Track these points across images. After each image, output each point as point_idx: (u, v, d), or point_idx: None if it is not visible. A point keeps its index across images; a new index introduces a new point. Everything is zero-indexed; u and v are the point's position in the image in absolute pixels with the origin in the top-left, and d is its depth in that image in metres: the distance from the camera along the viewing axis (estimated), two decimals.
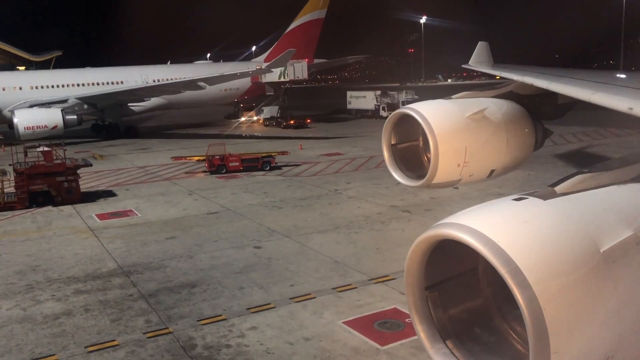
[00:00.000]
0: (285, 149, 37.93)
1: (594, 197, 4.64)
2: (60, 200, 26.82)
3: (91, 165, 31.37)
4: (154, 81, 59.08)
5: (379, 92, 70.03)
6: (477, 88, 10.97)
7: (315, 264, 17.39)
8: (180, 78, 58.05)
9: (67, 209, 26.29)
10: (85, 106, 54.11)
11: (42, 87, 56.17)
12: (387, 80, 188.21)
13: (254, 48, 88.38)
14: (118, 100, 55.68)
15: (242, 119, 68.32)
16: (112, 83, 58.92)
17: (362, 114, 69.88)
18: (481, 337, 4.51)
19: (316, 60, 73.26)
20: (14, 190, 27.10)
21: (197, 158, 36.77)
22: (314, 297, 14.83)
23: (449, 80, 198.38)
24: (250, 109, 70.15)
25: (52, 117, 50.80)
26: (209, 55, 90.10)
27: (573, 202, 4.47)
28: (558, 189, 4.68)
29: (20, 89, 55.42)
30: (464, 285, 4.64)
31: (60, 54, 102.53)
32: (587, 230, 4.17)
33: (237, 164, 33.85)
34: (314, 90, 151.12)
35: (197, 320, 13.66)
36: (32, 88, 55.72)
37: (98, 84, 58.43)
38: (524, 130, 9.47)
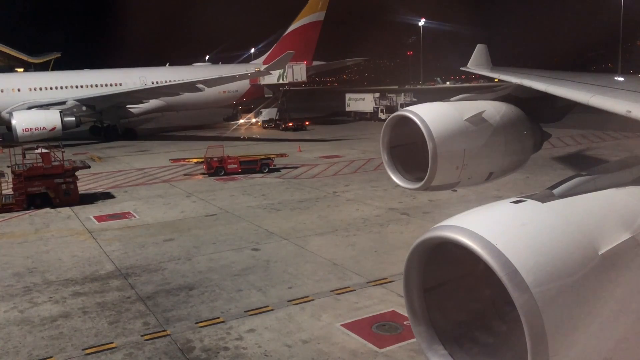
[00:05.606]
0: (283, 152, 37.93)
1: (593, 200, 4.64)
2: (58, 202, 26.79)
3: (89, 167, 31.41)
4: (152, 83, 59.06)
5: (377, 95, 70.05)
6: (475, 91, 10.98)
7: (314, 267, 17.38)
8: (178, 80, 58.01)
9: (65, 210, 26.26)
10: (84, 108, 54.09)
11: (40, 88, 56.14)
12: (386, 82, 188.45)
13: (252, 50, 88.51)
14: (116, 102, 55.67)
15: (241, 121, 68.30)
16: (111, 85, 58.90)
17: (360, 116, 69.90)
18: (479, 339, 4.50)
19: (315, 63, 73.25)
20: (12, 192, 27.08)
21: (196, 160, 36.76)
22: (312, 300, 14.82)
23: (448, 83, 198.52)
24: (248, 111, 70.15)
25: (51, 119, 50.78)
26: (207, 57, 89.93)
27: (571, 205, 4.47)
28: (556, 191, 4.68)
29: (19, 90, 55.39)
30: (462, 288, 4.63)
31: (59, 55, 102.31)
32: (586, 233, 4.17)
33: (236, 166, 33.85)
34: (313, 92, 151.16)
35: (195, 323, 13.64)
36: (30, 90, 55.70)
37: (96, 85, 58.42)
38: (522, 133, 9.46)
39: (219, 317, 13.90)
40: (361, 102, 71.20)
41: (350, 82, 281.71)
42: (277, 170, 34.81)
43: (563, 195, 4.59)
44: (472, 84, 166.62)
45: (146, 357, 12.07)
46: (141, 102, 57.38)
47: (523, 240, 4.00)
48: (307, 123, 62.90)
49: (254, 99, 70.17)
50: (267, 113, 67.05)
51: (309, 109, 79.46)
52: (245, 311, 14.21)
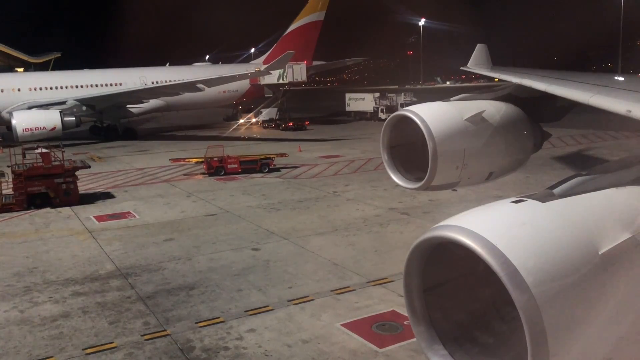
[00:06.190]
0: (283, 151, 37.93)
1: (593, 200, 4.63)
2: (58, 202, 26.79)
3: (89, 167, 31.42)
4: (152, 83, 59.05)
5: (377, 95, 70.02)
6: (475, 90, 10.98)
7: (314, 266, 17.38)
8: (179, 80, 58.01)
9: (65, 210, 26.26)
10: (84, 108, 54.08)
11: (40, 88, 56.13)
12: (386, 82, 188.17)
13: (252, 50, 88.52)
14: (117, 102, 55.65)
15: (241, 121, 68.31)
16: (111, 85, 58.90)
17: (360, 116, 69.90)
18: (479, 339, 4.50)
19: (315, 63, 73.25)
20: (12, 192, 27.08)
21: (196, 160, 36.78)
22: (312, 300, 14.82)
23: (448, 83, 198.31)
24: (248, 111, 70.18)
25: (51, 119, 50.78)
26: (207, 57, 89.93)
27: (571, 205, 4.47)
28: (556, 191, 4.68)
29: (19, 90, 55.38)
30: (462, 288, 4.63)
31: (59, 55, 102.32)
32: (586, 232, 4.17)
33: (236, 166, 33.86)
34: (313, 92, 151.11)
35: (195, 323, 13.65)
36: (30, 90, 55.69)
37: (97, 85, 58.41)
38: (522, 132, 9.46)
39: (219, 317, 13.91)
40: (361, 102, 71.19)
41: (350, 81, 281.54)
42: (277, 170, 34.81)
43: (563, 195, 4.59)
44: (472, 84, 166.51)
45: (146, 357, 12.07)
46: (141, 102, 57.37)
47: (523, 240, 4.00)
48: (307, 123, 62.90)
49: (254, 98, 70.19)
50: (267, 113, 67.10)
51: (309, 109, 79.44)
52: (246, 311, 14.21)
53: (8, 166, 28.71)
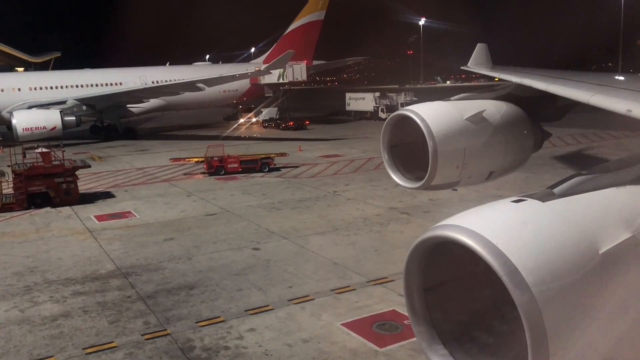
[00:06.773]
0: (284, 151, 37.95)
1: (593, 199, 4.63)
2: (58, 202, 26.80)
3: (90, 166, 31.40)
4: (152, 82, 59.05)
5: (377, 94, 70.03)
6: (475, 90, 10.98)
7: (314, 266, 17.38)
8: (179, 79, 58.02)
9: (65, 210, 26.27)
10: (84, 107, 54.11)
11: (40, 88, 56.16)
12: (386, 82, 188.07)
13: (253, 49, 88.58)
14: (117, 102, 55.68)
15: (241, 120, 68.31)
16: (111, 84, 58.91)
17: (360, 115, 69.92)
18: (480, 339, 4.49)
19: (315, 62, 73.28)
20: (13, 192, 27.09)
21: (196, 159, 36.78)
22: (313, 299, 14.82)
23: (448, 82, 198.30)
24: (249, 111, 70.20)
25: (51, 119, 50.83)
26: (208, 56, 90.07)
27: (572, 204, 4.46)
28: (557, 190, 4.67)
29: (19, 90, 55.41)
30: (462, 287, 4.63)
31: (59, 55, 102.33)
32: (586, 232, 4.16)
33: (236, 165, 33.87)
34: (313, 91, 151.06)
35: (196, 322, 13.65)
36: (30, 89, 55.72)
37: (97, 85, 58.43)
38: (522, 132, 9.45)
39: (219, 317, 13.91)
40: (361, 101, 71.20)
41: (350, 81, 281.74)
42: (278, 169, 34.81)
43: (563, 195, 4.58)
44: (473, 84, 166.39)
45: (147, 357, 12.08)
46: (141, 102, 57.41)
47: (523, 239, 3.99)
48: (307, 122, 62.91)
49: (254, 98, 70.21)
50: (268, 112, 67.13)
51: (309, 108, 79.40)
52: (246, 310, 14.22)
53: (8, 166, 28.69)
